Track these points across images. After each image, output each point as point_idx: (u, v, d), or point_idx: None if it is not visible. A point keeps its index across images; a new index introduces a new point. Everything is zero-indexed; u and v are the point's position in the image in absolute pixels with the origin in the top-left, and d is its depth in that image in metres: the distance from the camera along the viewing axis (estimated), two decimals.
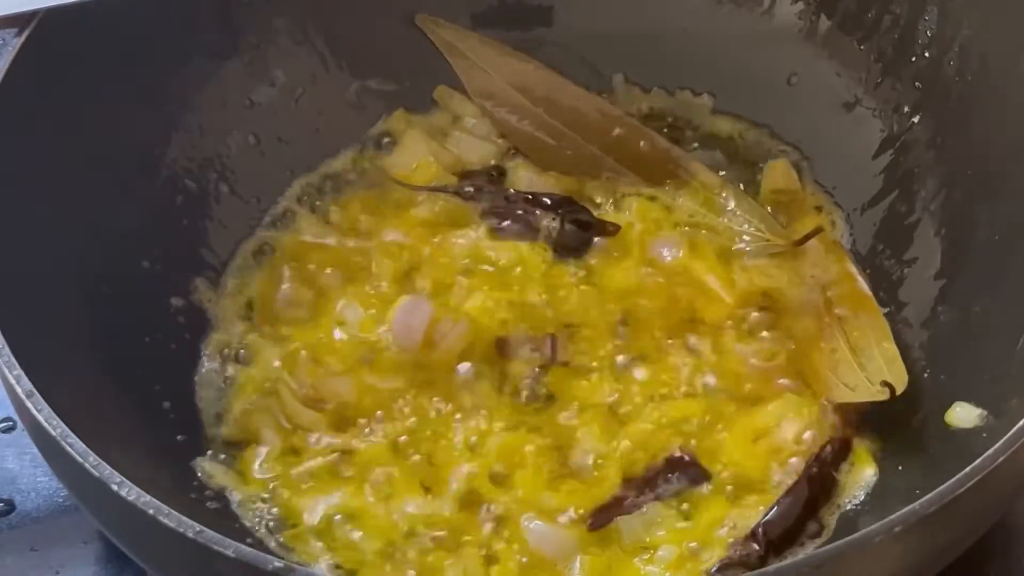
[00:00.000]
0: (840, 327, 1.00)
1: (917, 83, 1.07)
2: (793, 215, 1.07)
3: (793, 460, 0.94)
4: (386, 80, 1.14)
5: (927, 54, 1.06)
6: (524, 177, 1.10)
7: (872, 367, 0.97)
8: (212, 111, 1.08)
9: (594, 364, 0.99)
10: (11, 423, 1.03)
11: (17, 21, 0.97)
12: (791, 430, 0.95)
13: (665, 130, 1.12)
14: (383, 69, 1.14)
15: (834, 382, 0.97)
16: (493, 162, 1.11)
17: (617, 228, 1.06)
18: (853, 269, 1.04)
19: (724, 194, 1.08)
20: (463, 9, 1.15)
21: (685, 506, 0.92)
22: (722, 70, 1.13)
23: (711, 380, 0.98)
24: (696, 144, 1.12)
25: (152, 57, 1.04)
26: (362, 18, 1.13)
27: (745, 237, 1.05)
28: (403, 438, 0.96)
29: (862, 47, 1.10)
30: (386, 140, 1.12)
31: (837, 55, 1.11)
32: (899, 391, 0.95)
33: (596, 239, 1.06)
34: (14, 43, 0.96)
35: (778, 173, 1.10)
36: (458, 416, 0.97)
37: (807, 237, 1.04)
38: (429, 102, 1.14)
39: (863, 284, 1.03)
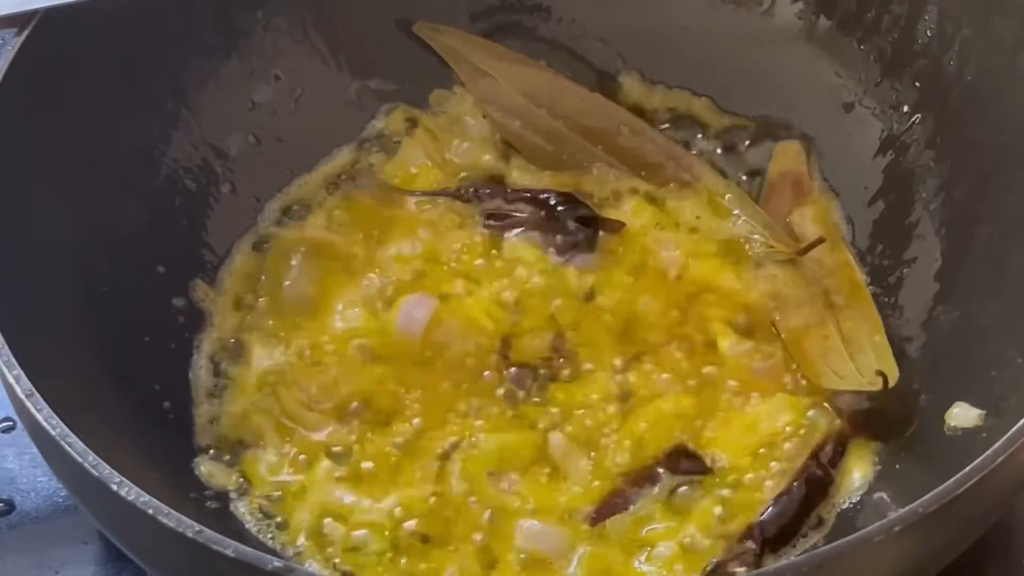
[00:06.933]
0: (834, 315, 1.00)
1: (917, 83, 1.07)
2: (795, 200, 1.07)
3: (791, 459, 0.94)
4: (386, 80, 1.14)
5: (927, 54, 1.06)
6: (523, 176, 1.10)
7: (862, 359, 0.98)
8: (212, 111, 1.08)
9: (595, 362, 0.99)
10: (11, 423, 1.03)
11: (17, 21, 0.97)
12: (789, 428, 0.95)
13: (666, 130, 1.12)
14: (383, 69, 1.14)
15: (823, 368, 0.98)
16: (492, 162, 1.11)
17: (621, 224, 1.06)
18: (851, 259, 1.04)
19: (728, 197, 1.08)
20: (462, 9, 1.15)
21: (682, 504, 0.92)
22: (722, 70, 1.13)
23: (710, 379, 0.98)
24: (697, 144, 1.12)
25: (152, 57, 1.04)
26: (362, 18, 1.13)
27: (749, 243, 1.05)
28: (403, 438, 0.96)
29: (862, 47, 1.10)
30: (386, 140, 1.12)
31: (837, 55, 1.11)
32: (891, 383, 0.96)
33: (599, 235, 1.05)
34: (14, 43, 0.96)
35: (789, 154, 1.10)
36: (458, 415, 0.97)
37: (810, 247, 1.04)
38: (429, 102, 1.14)
39: (859, 274, 1.03)
